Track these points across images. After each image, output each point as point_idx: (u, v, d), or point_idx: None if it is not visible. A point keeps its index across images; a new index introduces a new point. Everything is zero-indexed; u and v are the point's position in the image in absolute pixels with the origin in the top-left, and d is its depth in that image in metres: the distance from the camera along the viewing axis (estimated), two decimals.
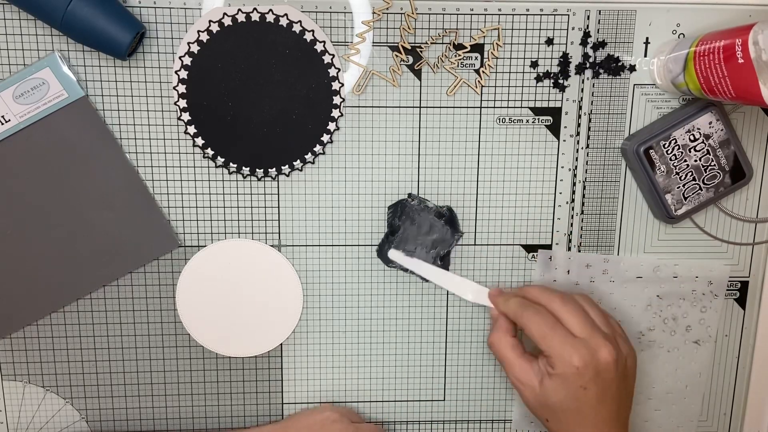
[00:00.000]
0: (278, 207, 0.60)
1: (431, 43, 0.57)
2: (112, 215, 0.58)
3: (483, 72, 0.58)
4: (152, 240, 0.59)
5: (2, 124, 0.55)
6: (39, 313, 0.60)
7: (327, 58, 0.57)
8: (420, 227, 0.60)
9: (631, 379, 0.56)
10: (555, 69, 0.59)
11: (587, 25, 0.58)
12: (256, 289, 0.61)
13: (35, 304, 0.60)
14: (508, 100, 0.59)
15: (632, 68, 0.59)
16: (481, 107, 0.59)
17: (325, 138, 0.59)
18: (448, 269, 0.62)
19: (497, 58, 0.58)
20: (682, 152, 0.58)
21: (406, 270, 0.61)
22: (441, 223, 0.60)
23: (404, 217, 0.60)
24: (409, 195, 0.60)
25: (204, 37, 0.56)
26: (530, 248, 0.62)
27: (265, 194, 0.60)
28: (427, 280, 0.61)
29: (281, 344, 0.63)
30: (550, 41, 0.58)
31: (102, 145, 0.57)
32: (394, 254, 0.60)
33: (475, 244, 0.62)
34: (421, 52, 0.58)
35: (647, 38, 0.58)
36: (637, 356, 0.56)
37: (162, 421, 0.64)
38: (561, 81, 0.59)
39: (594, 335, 0.53)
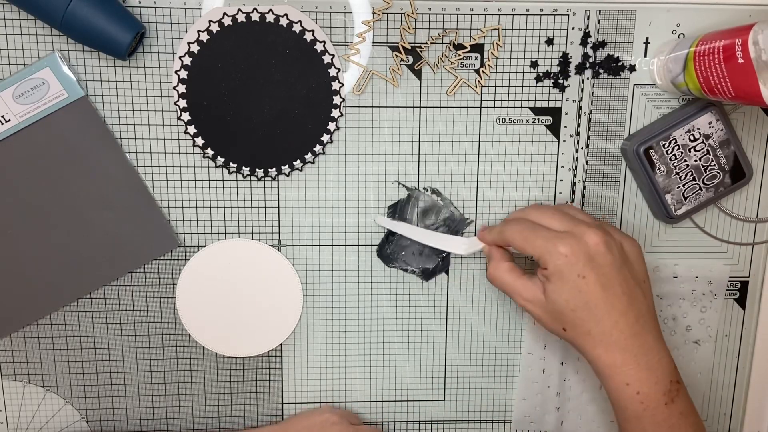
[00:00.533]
0: (278, 207, 0.60)
1: (431, 43, 0.57)
2: (112, 215, 0.58)
3: (483, 72, 0.58)
4: (152, 240, 0.59)
5: (2, 124, 0.55)
6: (39, 313, 0.60)
7: (327, 58, 0.57)
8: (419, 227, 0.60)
9: (637, 264, 0.53)
10: (555, 69, 0.59)
11: (587, 25, 0.58)
12: (256, 289, 0.61)
13: (35, 304, 0.60)
14: (508, 100, 0.59)
15: (632, 68, 0.59)
16: (481, 107, 0.59)
17: (325, 138, 0.59)
18: (448, 270, 0.62)
19: (497, 58, 0.58)
20: (682, 152, 0.58)
21: (405, 270, 0.61)
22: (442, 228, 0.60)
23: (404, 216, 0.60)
24: (407, 196, 0.60)
25: (204, 37, 0.56)
26: None
27: (265, 194, 0.60)
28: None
29: (281, 344, 0.63)
30: (550, 41, 0.58)
31: (102, 145, 0.57)
32: (381, 220, 0.60)
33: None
34: (421, 52, 0.58)
35: (647, 38, 0.58)
36: (638, 244, 0.54)
37: (162, 421, 0.64)
38: (561, 81, 0.59)
39: (577, 225, 0.52)
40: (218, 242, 0.60)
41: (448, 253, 0.61)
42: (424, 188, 0.60)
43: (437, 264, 0.61)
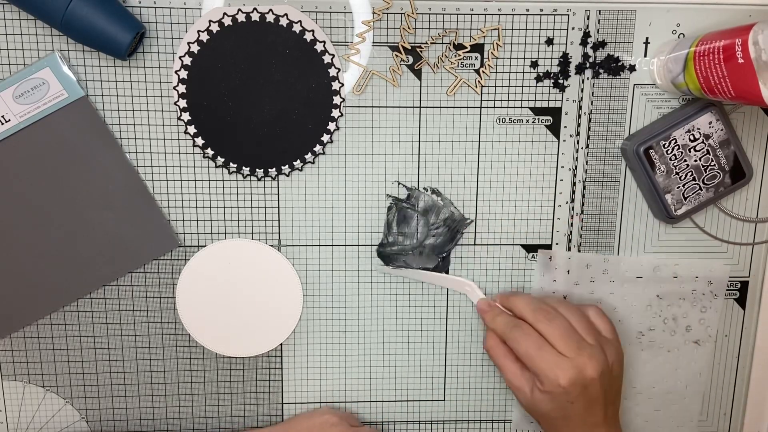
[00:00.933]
0: (278, 207, 0.60)
1: (431, 43, 0.57)
2: (112, 215, 0.58)
3: (483, 72, 0.58)
4: (152, 240, 0.59)
5: (2, 124, 0.55)
6: (39, 313, 0.60)
7: (327, 58, 0.57)
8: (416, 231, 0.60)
9: (618, 380, 0.57)
10: (555, 69, 0.59)
11: (587, 25, 0.58)
12: (256, 289, 0.61)
13: (35, 304, 0.60)
14: (508, 100, 0.59)
15: (632, 68, 0.59)
16: (481, 107, 0.59)
17: (325, 138, 0.59)
18: (448, 269, 0.62)
19: (497, 58, 0.58)
20: (682, 152, 0.58)
21: (399, 268, 0.61)
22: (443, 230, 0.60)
23: (403, 216, 0.60)
24: (408, 195, 0.60)
25: (204, 37, 0.56)
26: (530, 248, 0.62)
27: (265, 194, 0.60)
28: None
29: (281, 344, 0.63)
30: (550, 41, 0.58)
31: (102, 145, 0.57)
32: (384, 269, 0.61)
33: (475, 244, 0.62)
34: (421, 52, 0.58)
35: (647, 38, 0.58)
36: (624, 356, 0.58)
37: (162, 422, 0.64)
38: (561, 81, 0.59)
39: (580, 353, 0.54)
40: (218, 242, 0.60)
41: (448, 253, 0.61)
42: (424, 188, 0.60)
43: (437, 264, 0.61)
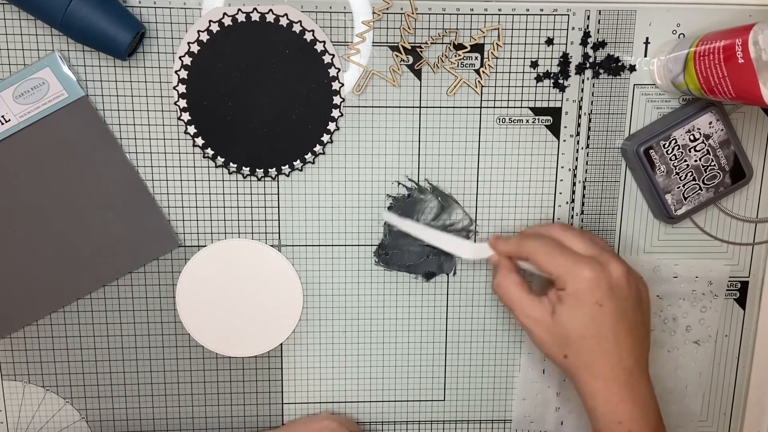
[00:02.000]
0: (278, 207, 0.60)
1: (431, 43, 0.57)
2: (112, 215, 0.58)
3: (483, 72, 0.58)
4: (152, 240, 0.59)
5: (2, 124, 0.55)
6: (39, 313, 0.60)
7: (327, 58, 0.57)
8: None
9: (646, 305, 0.53)
10: (555, 69, 0.59)
11: (587, 25, 0.58)
12: (256, 289, 0.61)
13: (35, 304, 0.60)
14: (508, 100, 0.59)
15: (632, 68, 0.59)
16: (481, 107, 0.59)
17: (325, 138, 0.59)
18: (455, 271, 0.62)
19: (497, 58, 0.58)
20: (682, 152, 0.58)
21: (399, 269, 0.61)
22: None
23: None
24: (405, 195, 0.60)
25: (204, 37, 0.56)
26: None
27: (265, 194, 0.60)
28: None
29: (281, 344, 0.63)
30: (550, 41, 0.58)
31: (102, 145, 0.57)
32: (388, 216, 0.59)
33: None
34: (421, 52, 0.58)
35: (647, 38, 0.58)
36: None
37: (162, 422, 0.64)
38: (561, 81, 0.59)
39: (602, 253, 0.51)
40: (218, 242, 0.60)
41: (451, 256, 0.61)
42: (426, 180, 0.60)
43: (438, 266, 0.61)
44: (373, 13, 0.57)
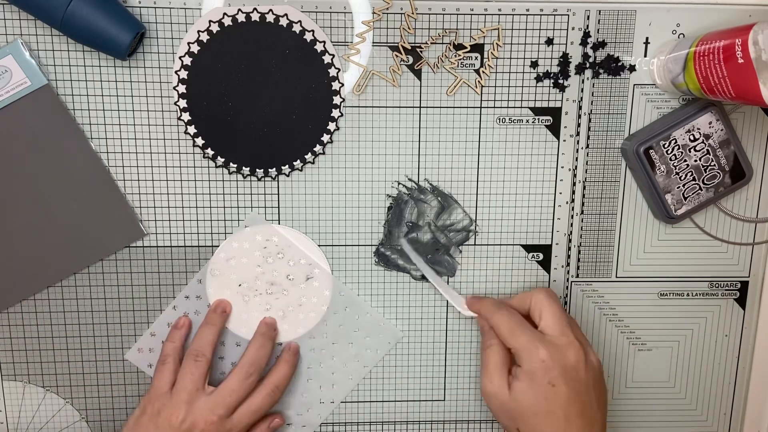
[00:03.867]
0: (278, 207, 0.60)
1: (431, 43, 0.57)
2: (76, 204, 0.58)
3: (483, 72, 0.58)
4: (118, 229, 0.59)
5: None
6: (8, 301, 0.60)
7: (327, 58, 0.57)
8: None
9: (601, 388, 0.55)
10: (555, 69, 0.59)
11: (587, 25, 0.58)
12: (289, 280, 0.61)
13: (4, 292, 0.59)
14: (508, 100, 0.59)
15: (632, 68, 0.59)
16: (481, 107, 0.59)
17: (325, 138, 0.59)
18: (454, 272, 0.62)
19: (497, 58, 0.58)
20: (682, 152, 0.58)
21: (399, 269, 0.61)
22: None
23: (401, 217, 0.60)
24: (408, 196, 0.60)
25: (204, 37, 0.56)
26: (530, 248, 0.62)
27: (265, 194, 0.60)
28: (423, 278, 0.61)
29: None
30: (550, 41, 0.58)
31: (66, 134, 0.57)
32: (405, 245, 0.60)
33: (475, 244, 0.62)
34: (421, 52, 0.58)
35: (647, 38, 0.58)
36: (603, 368, 0.56)
37: None
38: (561, 81, 0.59)
39: (564, 334, 0.53)
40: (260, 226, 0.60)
41: (452, 258, 0.61)
42: (424, 184, 0.60)
43: (438, 268, 0.61)
44: (373, 13, 0.57)
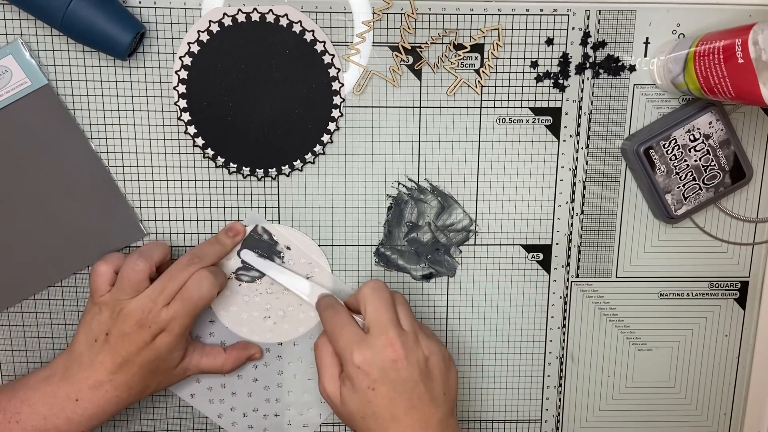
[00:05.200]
0: (278, 207, 0.60)
1: (431, 43, 0.57)
2: (76, 204, 0.58)
3: (483, 72, 0.58)
4: (118, 229, 0.59)
5: None
6: (8, 301, 0.60)
7: (327, 58, 0.57)
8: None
9: (436, 379, 0.52)
10: (555, 69, 0.59)
11: (587, 25, 0.58)
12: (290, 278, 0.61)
13: (3, 292, 0.59)
14: (508, 100, 0.59)
15: (632, 68, 0.59)
16: (481, 107, 0.59)
17: (325, 138, 0.59)
18: (454, 272, 0.62)
19: (497, 58, 0.58)
20: (682, 152, 0.58)
21: (399, 269, 0.61)
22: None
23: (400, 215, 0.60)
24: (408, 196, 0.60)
25: (204, 37, 0.56)
26: (530, 248, 0.62)
27: (265, 194, 0.60)
28: (423, 278, 0.61)
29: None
30: (550, 41, 0.58)
31: (66, 134, 0.57)
32: (246, 254, 0.59)
33: (475, 244, 0.62)
34: (421, 52, 0.58)
35: (647, 38, 0.58)
36: (450, 356, 0.54)
37: (162, 422, 0.64)
38: (561, 81, 0.59)
39: (382, 332, 0.51)
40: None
41: (452, 258, 0.61)
42: (424, 184, 0.60)
43: (438, 268, 0.61)
44: (373, 13, 0.57)
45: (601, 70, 0.59)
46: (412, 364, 0.51)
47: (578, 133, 0.60)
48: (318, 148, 0.59)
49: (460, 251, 0.62)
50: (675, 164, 0.58)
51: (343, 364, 0.52)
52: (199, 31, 0.56)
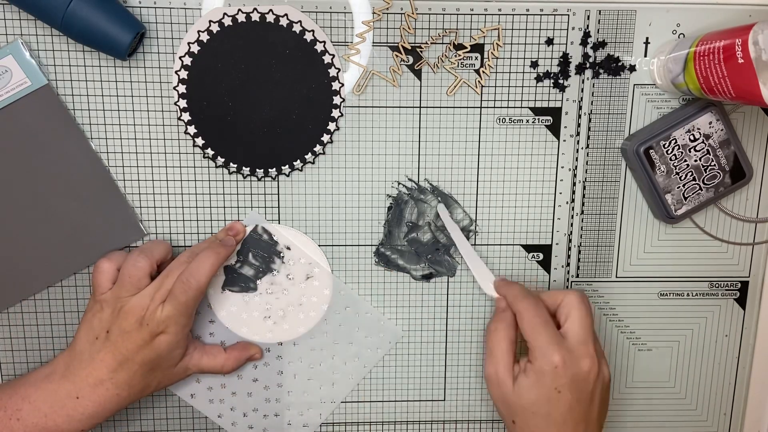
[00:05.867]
0: (278, 207, 0.60)
1: (431, 43, 0.57)
2: (76, 204, 0.58)
3: (483, 72, 0.58)
4: (118, 229, 0.59)
5: None
6: (8, 301, 0.60)
7: (327, 58, 0.57)
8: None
9: (604, 403, 0.55)
10: (555, 69, 0.59)
11: (587, 25, 0.58)
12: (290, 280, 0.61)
13: (4, 292, 0.59)
14: (508, 100, 0.59)
15: (632, 68, 0.59)
16: (481, 107, 0.59)
17: (325, 138, 0.59)
18: (454, 273, 0.62)
19: (497, 58, 0.58)
20: (682, 152, 0.58)
21: (399, 269, 0.61)
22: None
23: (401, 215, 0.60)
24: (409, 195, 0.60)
25: (204, 37, 0.56)
26: (530, 248, 0.62)
27: (265, 194, 0.60)
28: (423, 278, 0.61)
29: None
30: (550, 41, 0.58)
31: (66, 134, 0.57)
32: (442, 211, 0.60)
33: (475, 244, 0.62)
34: (421, 52, 0.58)
35: (647, 38, 0.58)
36: (611, 376, 0.56)
37: (162, 422, 0.64)
38: (561, 81, 0.59)
39: (584, 343, 0.53)
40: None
41: (452, 258, 0.61)
42: (424, 184, 0.60)
43: (438, 268, 0.61)
44: (373, 13, 0.57)
45: (601, 70, 0.59)
46: (597, 382, 0.53)
47: (578, 133, 0.60)
48: (318, 148, 0.59)
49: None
50: (675, 164, 0.58)
51: (535, 358, 0.52)
52: (199, 31, 0.56)
